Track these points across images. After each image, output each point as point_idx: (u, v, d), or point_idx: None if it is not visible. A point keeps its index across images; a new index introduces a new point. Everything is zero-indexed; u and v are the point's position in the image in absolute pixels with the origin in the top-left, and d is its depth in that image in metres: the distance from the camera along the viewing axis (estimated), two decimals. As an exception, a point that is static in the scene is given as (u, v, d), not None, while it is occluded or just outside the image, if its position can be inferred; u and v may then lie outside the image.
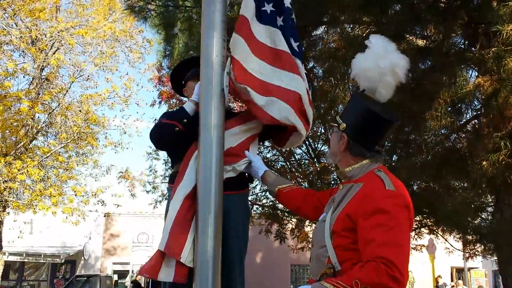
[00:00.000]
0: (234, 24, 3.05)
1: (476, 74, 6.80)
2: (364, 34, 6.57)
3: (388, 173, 2.27)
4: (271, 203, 14.00)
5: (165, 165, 16.48)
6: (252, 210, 14.75)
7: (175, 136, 2.94)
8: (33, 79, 13.10)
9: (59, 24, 12.02)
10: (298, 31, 3.31)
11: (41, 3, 11.79)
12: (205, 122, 2.70)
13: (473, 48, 6.54)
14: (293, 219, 14.39)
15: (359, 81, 2.45)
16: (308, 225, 15.20)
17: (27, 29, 11.49)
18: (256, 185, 14.27)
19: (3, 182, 11.28)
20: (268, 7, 3.16)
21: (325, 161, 11.14)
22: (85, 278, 22.37)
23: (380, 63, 2.34)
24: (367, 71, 2.38)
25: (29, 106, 11.57)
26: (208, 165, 2.65)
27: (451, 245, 14.81)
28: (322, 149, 13.21)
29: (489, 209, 9.36)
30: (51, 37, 11.91)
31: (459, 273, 28.17)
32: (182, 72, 3.39)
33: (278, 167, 13.73)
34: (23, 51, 12.67)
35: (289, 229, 15.27)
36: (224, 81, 2.74)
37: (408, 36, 6.62)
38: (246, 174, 3.19)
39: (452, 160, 6.79)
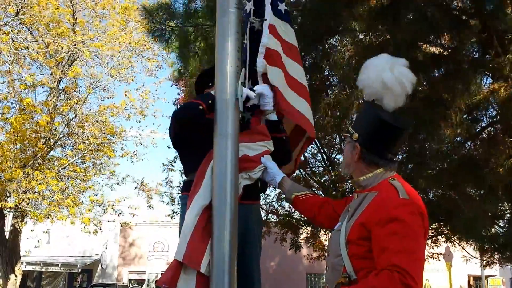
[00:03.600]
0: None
1: (491, 81, 6.78)
2: (378, 42, 6.58)
3: (402, 181, 2.27)
4: (286, 211, 13.98)
5: (181, 176, 16.57)
6: (267, 219, 14.76)
7: (198, 113, 2.89)
8: (51, 90, 13.26)
9: (76, 36, 12.17)
10: None
11: (57, 15, 11.97)
12: (220, 131, 2.73)
13: (487, 55, 6.52)
14: (308, 228, 14.35)
15: (365, 92, 2.47)
16: (324, 234, 15.16)
17: (45, 43, 11.65)
18: (271, 193, 14.26)
19: (22, 193, 11.40)
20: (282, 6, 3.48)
21: (340, 170, 11.11)
22: (102, 287, 22.51)
23: (384, 75, 2.36)
24: (373, 82, 2.40)
25: (47, 120, 11.71)
26: (223, 173, 2.67)
27: (468, 253, 14.66)
28: (337, 158, 13.20)
29: (506, 216, 9.28)
30: (68, 49, 12.06)
31: (477, 281, 27.85)
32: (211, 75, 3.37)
33: (294, 176, 13.69)
34: (40, 64, 12.86)
35: (304, 238, 15.23)
36: (239, 91, 2.77)
37: (422, 44, 6.61)
38: (259, 185, 3.20)
39: (467, 168, 6.75)
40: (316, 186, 12.86)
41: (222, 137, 2.71)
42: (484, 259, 13.92)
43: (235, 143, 2.73)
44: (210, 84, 3.29)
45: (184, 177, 3.36)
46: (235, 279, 2.58)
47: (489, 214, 8.05)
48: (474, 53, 6.94)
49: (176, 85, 16.80)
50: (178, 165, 16.97)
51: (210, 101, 2.87)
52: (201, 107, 2.89)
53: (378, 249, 2.07)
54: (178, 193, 16.82)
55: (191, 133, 3.06)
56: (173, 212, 16.56)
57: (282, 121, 3.27)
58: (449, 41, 6.75)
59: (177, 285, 2.65)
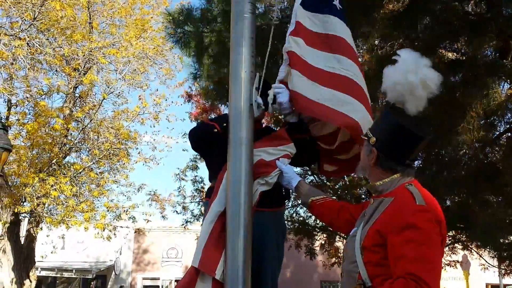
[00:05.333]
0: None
1: (509, 86, 6.70)
2: (394, 51, 6.53)
3: (419, 187, 2.23)
4: (301, 218, 13.92)
5: (193, 185, 16.61)
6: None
7: (211, 135, 3.01)
8: (66, 96, 13.38)
9: (92, 43, 12.27)
10: None
11: (73, 22, 12.09)
12: (234, 137, 2.72)
13: (504, 60, 6.44)
14: (323, 234, 14.27)
15: (389, 94, 2.42)
16: (339, 240, 15.06)
17: (61, 48, 11.75)
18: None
19: (37, 198, 11.48)
20: None
21: (353, 175, 11.03)
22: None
23: (409, 77, 2.31)
24: (397, 84, 2.35)
25: (62, 124, 11.81)
26: (238, 180, 2.65)
27: (486, 261, 14.47)
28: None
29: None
30: (84, 56, 12.16)
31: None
32: None
33: (307, 182, 13.63)
34: (56, 70, 12.96)
35: (318, 245, 15.16)
36: (253, 96, 2.75)
37: (438, 49, 6.55)
38: (283, 192, 3.17)
39: (486, 175, 6.67)
40: (330, 191, 12.78)
41: (237, 143, 2.70)
42: (502, 267, 13.74)
43: (249, 149, 2.71)
44: None
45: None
46: (249, 286, 2.55)
47: (507, 221, 7.93)
48: (491, 57, 6.86)
49: (189, 101, 16.89)
50: (190, 175, 17.01)
51: (224, 124, 2.88)
52: (215, 130, 2.94)
53: (394, 257, 2.03)
54: (191, 202, 16.86)
55: (209, 149, 3.12)
56: (186, 221, 16.53)
57: (304, 121, 3.21)
58: (465, 46, 6.69)
59: None
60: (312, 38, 3.17)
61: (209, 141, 3.08)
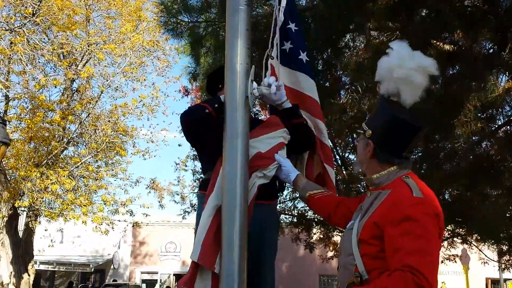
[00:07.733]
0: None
1: (507, 78, 6.67)
2: (391, 40, 6.49)
3: (416, 179, 2.22)
4: (299, 212, 13.90)
5: (193, 176, 16.57)
6: (280, 219, 14.67)
7: (204, 117, 2.92)
8: (64, 90, 13.36)
9: (89, 38, 12.25)
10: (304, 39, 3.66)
11: (71, 16, 12.06)
12: (230, 130, 2.69)
13: (503, 52, 6.41)
14: (321, 228, 14.27)
15: (384, 84, 2.39)
16: (337, 234, 15.07)
17: (59, 44, 11.72)
18: (286, 194, 14.17)
19: (36, 192, 11.49)
20: (287, 45, 3.52)
21: (352, 169, 11.00)
22: (114, 287, 22.63)
23: (406, 64, 2.29)
24: (393, 71, 2.32)
25: (61, 116, 11.79)
26: (234, 173, 2.63)
27: (486, 256, 14.47)
28: (349, 157, 13.07)
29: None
30: (81, 50, 12.14)
31: (495, 284, 27.45)
32: (221, 75, 3.13)
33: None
34: (54, 65, 12.94)
35: (317, 238, 15.15)
36: (249, 88, 2.73)
37: (435, 41, 6.51)
38: (277, 184, 3.15)
39: (484, 168, 6.65)
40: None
41: (232, 136, 2.67)
42: (502, 261, 13.72)
43: (245, 142, 2.69)
44: (220, 86, 3.25)
45: (198, 176, 3.40)
46: (244, 282, 2.53)
47: (507, 215, 7.93)
48: (489, 50, 6.83)
49: (187, 95, 16.83)
50: (190, 165, 16.99)
51: (216, 105, 2.85)
52: (207, 111, 2.89)
53: (391, 249, 2.03)
54: (191, 193, 16.84)
55: (201, 135, 3.05)
56: (185, 212, 16.50)
57: (298, 106, 3.23)
58: (463, 39, 6.65)
59: (194, 286, 2.65)
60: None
61: (201, 123, 3.00)
